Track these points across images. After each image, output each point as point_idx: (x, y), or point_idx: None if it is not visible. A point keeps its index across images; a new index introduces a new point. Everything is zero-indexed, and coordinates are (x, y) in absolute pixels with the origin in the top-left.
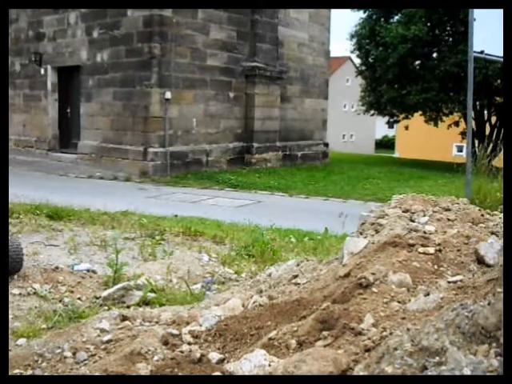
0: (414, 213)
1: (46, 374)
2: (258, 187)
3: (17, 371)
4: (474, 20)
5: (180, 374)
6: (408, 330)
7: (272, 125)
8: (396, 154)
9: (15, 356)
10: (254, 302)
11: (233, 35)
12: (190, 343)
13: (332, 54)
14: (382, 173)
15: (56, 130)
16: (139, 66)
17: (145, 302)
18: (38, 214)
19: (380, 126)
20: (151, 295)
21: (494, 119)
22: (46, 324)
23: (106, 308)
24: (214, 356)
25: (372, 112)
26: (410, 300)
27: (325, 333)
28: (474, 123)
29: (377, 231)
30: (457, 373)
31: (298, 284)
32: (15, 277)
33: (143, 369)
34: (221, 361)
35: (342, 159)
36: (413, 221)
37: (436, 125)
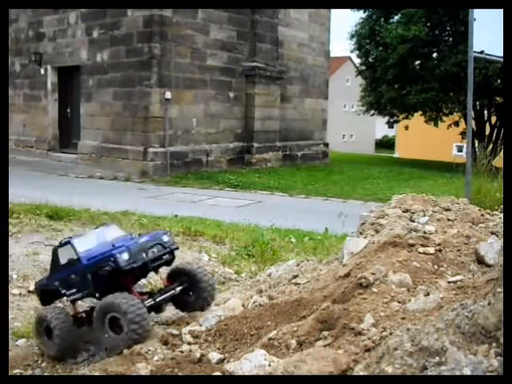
0: (414, 213)
1: (45, 374)
2: (258, 187)
3: (17, 371)
4: (474, 20)
5: (180, 373)
6: (408, 329)
7: (272, 125)
8: (396, 154)
9: (15, 356)
10: (254, 302)
11: (233, 35)
12: (190, 343)
13: (332, 54)
14: (382, 173)
15: (56, 130)
16: (139, 66)
17: None
18: (38, 213)
19: (380, 126)
20: None
21: (494, 119)
22: None
23: None
24: (214, 356)
25: (372, 112)
26: (409, 300)
27: (325, 333)
28: (474, 123)
29: (377, 231)
30: (457, 373)
31: (298, 284)
32: (14, 276)
33: (143, 369)
34: (221, 361)
35: (342, 159)
36: (413, 221)
37: (436, 125)
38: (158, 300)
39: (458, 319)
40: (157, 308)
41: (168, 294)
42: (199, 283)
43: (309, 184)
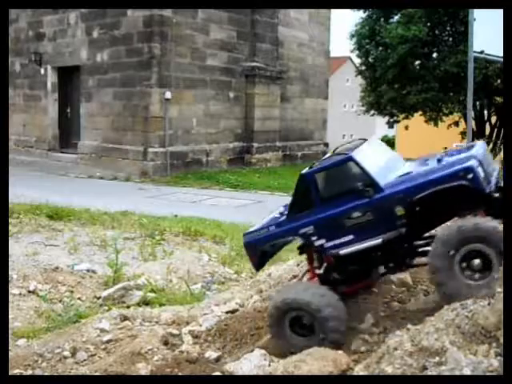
0: None
1: (46, 374)
2: (258, 187)
3: (17, 371)
4: (474, 20)
5: (180, 373)
6: (408, 329)
7: (272, 125)
8: None
9: (15, 356)
10: (254, 302)
11: (233, 35)
12: (189, 343)
13: (332, 54)
14: None
15: (56, 130)
16: (139, 66)
17: (145, 302)
18: (38, 213)
19: (380, 126)
20: (151, 295)
21: (494, 119)
22: (47, 324)
23: (106, 308)
24: (213, 355)
25: (372, 112)
26: (409, 300)
27: None
28: (474, 123)
29: None
30: (457, 373)
31: None
32: (14, 276)
33: (143, 369)
34: (220, 360)
35: None
36: None
37: (436, 125)
38: None
39: (457, 319)
40: None
41: None
42: None
43: None
